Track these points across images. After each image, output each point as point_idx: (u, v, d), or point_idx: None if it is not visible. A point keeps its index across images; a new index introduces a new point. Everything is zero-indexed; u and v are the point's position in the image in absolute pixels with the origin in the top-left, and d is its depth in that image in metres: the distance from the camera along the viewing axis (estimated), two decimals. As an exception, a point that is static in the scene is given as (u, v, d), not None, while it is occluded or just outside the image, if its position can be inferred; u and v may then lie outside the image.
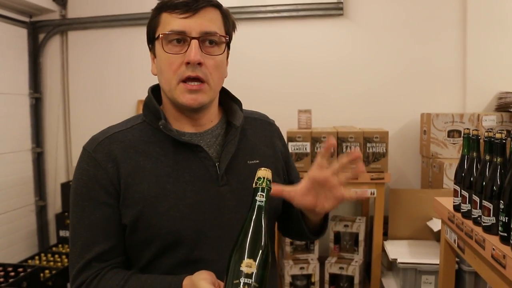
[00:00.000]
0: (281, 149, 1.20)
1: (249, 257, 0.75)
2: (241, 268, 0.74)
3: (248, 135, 1.13)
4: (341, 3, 3.24)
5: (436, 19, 3.21)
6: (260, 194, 0.80)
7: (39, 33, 3.69)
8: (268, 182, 0.82)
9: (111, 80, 3.64)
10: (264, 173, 0.82)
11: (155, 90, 1.10)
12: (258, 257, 0.76)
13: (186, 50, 0.97)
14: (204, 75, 0.98)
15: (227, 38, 1.03)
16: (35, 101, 3.69)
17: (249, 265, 0.74)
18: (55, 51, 3.73)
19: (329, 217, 1.12)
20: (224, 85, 1.12)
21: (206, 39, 0.99)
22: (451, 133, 2.85)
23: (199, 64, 0.96)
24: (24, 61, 3.61)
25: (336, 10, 3.27)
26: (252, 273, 0.74)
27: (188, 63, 0.96)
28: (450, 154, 2.85)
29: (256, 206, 0.80)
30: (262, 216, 0.79)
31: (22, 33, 3.60)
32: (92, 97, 3.69)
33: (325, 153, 0.93)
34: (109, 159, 1.00)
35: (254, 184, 0.82)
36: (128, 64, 3.57)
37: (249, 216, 0.79)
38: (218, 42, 1.01)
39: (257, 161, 1.09)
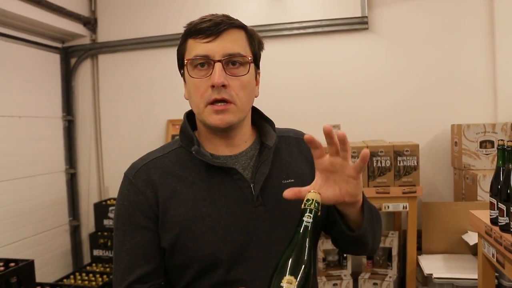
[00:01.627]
0: None
1: (290, 274, 0.76)
2: (281, 284, 0.76)
3: (282, 154, 1.13)
4: (366, 17, 3.25)
5: (462, 29, 3.17)
6: (308, 215, 0.82)
7: (71, 57, 3.82)
8: (316, 204, 0.83)
9: (141, 101, 3.73)
10: (314, 195, 0.84)
11: (190, 116, 1.12)
12: (300, 275, 0.77)
13: (211, 73, 0.99)
14: (230, 96, 0.99)
15: (250, 58, 1.04)
16: (68, 123, 3.81)
17: (289, 282, 0.76)
18: (86, 75, 3.85)
19: (366, 208, 1.02)
20: (254, 102, 1.13)
21: (230, 61, 1.00)
22: (483, 144, 2.80)
23: (224, 86, 0.98)
24: (57, 85, 3.75)
25: (361, 25, 3.28)
26: None
27: (213, 86, 0.98)
28: (483, 165, 2.79)
29: (303, 226, 0.81)
30: (307, 237, 0.81)
31: (55, 58, 3.74)
32: (123, 118, 3.78)
33: (312, 145, 0.89)
34: (148, 184, 1.03)
35: (302, 205, 0.83)
36: (157, 85, 3.65)
37: (295, 235, 0.81)
38: (243, 62, 1.02)
39: (292, 180, 1.09)
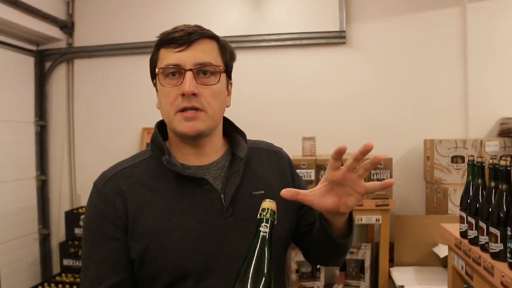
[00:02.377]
0: (290, 175, 1.20)
1: (251, 287, 0.76)
2: None
3: (253, 166, 1.13)
4: (344, 31, 3.31)
5: (436, 46, 3.26)
6: (264, 225, 0.82)
7: (46, 61, 3.75)
8: (272, 213, 0.83)
9: (116, 108, 3.68)
10: (268, 204, 0.84)
11: (161, 126, 1.12)
12: (261, 286, 0.77)
13: (182, 82, 0.99)
14: (201, 105, 1.00)
15: (221, 68, 1.04)
16: (40, 128, 3.72)
17: None
18: (61, 79, 3.78)
19: (353, 216, 1.07)
20: (229, 111, 1.14)
21: (201, 70, 1.01)
22: (454, 159, 2.86)
23: (194, 94, 0.99)
24: (30, 89, 3.66)
25: (339, 39, 3.33)
26: None
27: (183, 94, 0.98)
28: (454, 180, 2.86)
29: (260, 236, 0.81)
30: (266, 247, 0.81)
31: (29, 61, 3.66)
32: (98, 125, 3.72)
33: (336, 156, 0.90)
34: (117, 194, 1.02)
35: (258, 215, 0.83)
36: (133, 92, 3.61)
37: (253, 247, 0.81)
38: (214, 72, 1.03)
39: (263, 192, 1.09)
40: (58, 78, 3.79)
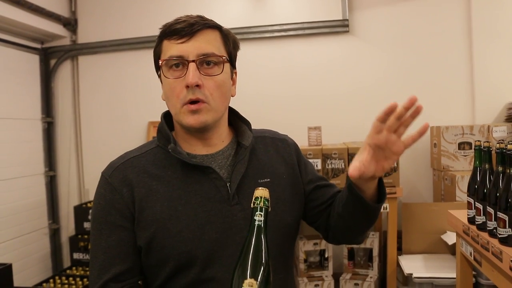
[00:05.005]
0: (296, 161, 1.19)
1: (250, 276, 0.77)
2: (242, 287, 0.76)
3: (259, 154, 1.14)
4: (347, 20, 3.29)
5: (441, 32, 3.23)
6: (259, 214, 0.82)
7: (51, 58, 3.77)
8: (265, 201, 0.83)
9: (121, 102, 3.70)
10: (261, 192, 0.84)
11: (168, 116, 1.13)
12: (260, 276, 0.77)
13: (186, 73, 1.00)
14: (205, 96, 1.00)
15: (225, 58, 1.04)
16: (47, 125, 3.75)
17: (250, 285, 0.76)
18: (66, 76, 3.81)
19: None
20: (234, 104, 1.14)
21: (204, 61, 1.01)
22: (461, 145, 2.85)
23: (198, 86, 0.99)
24: (36, 87, 3.69)
25: (342, 27, 3.31)
26: None
27: (187, 86, 0.99)
28: (462, 167, 2.84)
29: (256, 226, 0.81)
30: (262, 235, 0.81)
31: (34, 59, 3.68)
32: (103, 120, 3.75)
33: (383, 117, 0.89)
34: (124, 184, 1.04)
35: (252, 204, 0.83)
36: (138, 86, 3.62)
37: (249, 236, 0.81)
38: (217, 62, 1.03)
39: (268, 180, 1.10)
40: (63, 75, 3.81)
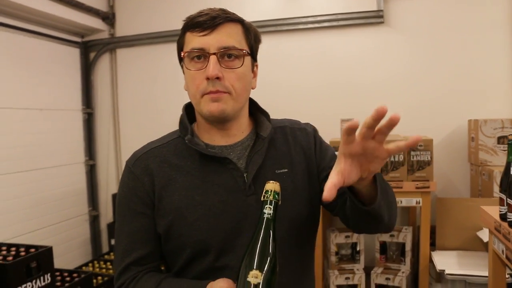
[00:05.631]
0: (313, 148, 1.17)
1: (256, 268, 0.79)
2: (248, 279, 0.78)
3: (277, 145, 1.15)
4: (381, 11, 3.21)
5: (481, 22, 3.11)
6: (268, 207, 0.83)
7: (90, 51, 3.90)
8: (276, 195, 0.84)
9: (158, 94, 3.79)
10: (271, 186, 0.85)
11: (189, 108, 1.16)
12: (265, 268, 0.79)
13: (206, 66, 1.02)
14: (225, 88, 1.03)
15: (245, 51, 1.06)
16: (88, 116, 3.90)
17: (255, 276, 0.78)
18: (105, 68, 3.93)
19: (380, 179, 0.96)
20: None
21: (225, 54, 1.03)
22: (501, 140, 2.75)
23: (218, 78, 1.01)
24: (77, 79, 3.84)
25: (377, 18, 3.24)
26: (258, 283, 0.78)
27: (208, 78, 1.01)
28: (501, 162, 2.74)
29: (265, 218, 0.83)
30: (270, 228, 0.82)
31: (75, 52, 3.82)
32: (140, 111, 3.85)
33: (348, 132, 0.81)
34: (146, 173, 1.08)
35: (262, 197, 0.84)
36: (174, 78, 3.67)
37: (258, 229, 0.83)
38: (238, 55, 1.05)
39: (286, 170, 1.11)
40: (102, 67, 3.94)
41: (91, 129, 3.93)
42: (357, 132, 0.81)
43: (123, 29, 3.85)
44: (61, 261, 3.32)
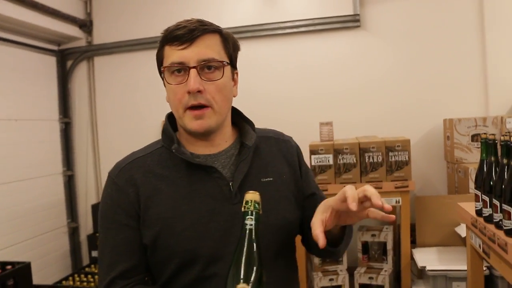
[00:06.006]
0: (298, 164, 1.21)
1: (243, 281, 0.78)
2: None
3: (262, 154, 1.16)
4: (358, 15, 3.28)
5: (453, 24, 3.20)
6: (249, 218, 0.83)
7: (67, 60, 3.86)
8: (256, 205, 0.83)
9: (137, 102, 3.76)
10: (251, 196, 0.84)
11: (171, 117, 1.15)
12: (252, 280, 0.78)
13: (187, 79, 1.02)
14: (207, 101, 1.03)
15: (225, 62, 1.06)
16: (65, 125, 3.84)
17: None
18: (83, 77, 3.89)
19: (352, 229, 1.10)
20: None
21: (205, 66, 1.03)
22: (474, 137, 2.83)
23: (200, 91, 1.01)
24: (53, 88, 3.78)
25: (353, 22, 3.31)
26: None
27: (189, 92, 1.01)
28: (475, 159, 2.81)
29: (247, 230, 0.82)
30: (253, 239, 0.82)
31: (52, 60, 3.77)
32: (119, 119, 3.81)
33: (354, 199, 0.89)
34: (130, 184, 1.06)
35: (242, 208, 0.84)
36: (153, 86, 3.64)
37: (241, 240, 0.82)
38: (218, 66, 1.05)
39: (271, 179, 1.12)
40: (79, 76, 3.90)
41: (69, 139, 3.87)
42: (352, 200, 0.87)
43: (101, 36, 3.81)
44: (39, 277, 3.25)
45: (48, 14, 3.36)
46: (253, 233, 0.82)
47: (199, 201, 1.05)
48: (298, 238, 1.21)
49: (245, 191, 1.05)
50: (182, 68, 1.03)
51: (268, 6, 3.48)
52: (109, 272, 1.04)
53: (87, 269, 3.50)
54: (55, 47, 3.81)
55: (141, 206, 1.05)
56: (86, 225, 3.88)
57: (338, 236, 1.06)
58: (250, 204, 0.83)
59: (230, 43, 1.10)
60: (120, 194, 1.06)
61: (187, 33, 1.02)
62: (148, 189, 1.06)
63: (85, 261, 3.81)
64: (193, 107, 1.03)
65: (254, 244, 0.81)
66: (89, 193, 3.89)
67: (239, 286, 0.77)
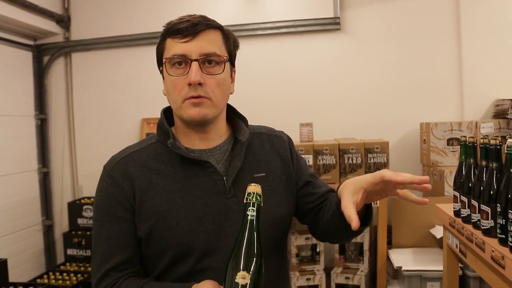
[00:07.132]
0: (290, 156, 1.24)
1: (243, 269, 0.81)
2: (236, 280, 0.80)
3: (255, 150, 1.19)
4: (338, 18, 3.32)
5: (430, 30, 3.28)
6: (251, 209, 0.85)
7: (44, 55, 3.77)
8: (258, 197, 0.86)
9: (115, 99, 3.71)
10: (253, 188, 0.87)
11: (167, 112, 1.17)
12: (252, 269, 0.81)
13: (188, 71, 1.04)
14: (206, 94, 1.05)
15: (226, 57, 1.09)
16: (41, 122, 3.76)
17: (243, 277, 0.80)
18: (60, 73, 3.81)
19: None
20: (229, 101, 1.18)
21: (206, 60, 1.06)
22: (450, 141, 2.90)
23: (200, 84, 1.04)
24: (29, 83, 3.69)
25: (333, 25, 3.35)
26: (247, 284, 0.80)
27: (190, 84, 1.03)
28: (450, 162, 2.90)
29: (248, 220, 0.85)
30: (254, 229, 0.85)
31: (27, 56, 3.69)
32: (97, 117, 3.76)
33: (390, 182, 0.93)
34: (125, 177, 1.08)
35: (244, 200, 0.87)
36: (131, 83, 3.64)
37: (242, 230, 0.85)
38: (218, 61, 1.08)
39: (263, 174, 1.15)
40: (56, 72, 3.82)
41: (45, 135, 3.79)
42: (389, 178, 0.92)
43: (79, 32, 3.75)
44: (13, 274, 3.17)
45: (24, 8, 3.28)
46: (254, 224, 0.85)
47: (194, 195, 1.07)
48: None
49: (238, 186, 1.09)
50: (183, 61, 1.05)
51: (249, 6, 3.49)
52: (103, 265, 1.06)
53: (62, 267, 3.44)
54: (31, 42, 3.72)
55: (136, 200, 1.06)
56: (62, 223, 3.81)
57: (361, 214, 1.05)
58: (252, 195, 0.86)
59: (231, 41, 1.14)
60: (115, 187, 1.08)
61: (190, 26, 1.04)
62: (143, 182, 1.07)
63: (60, 259, 3.74)
64: (193, 98, 1.04)
65: (255, 234, 0.84)
66: (65, 191, 3.82)
67: (240, 273, 0.80)
